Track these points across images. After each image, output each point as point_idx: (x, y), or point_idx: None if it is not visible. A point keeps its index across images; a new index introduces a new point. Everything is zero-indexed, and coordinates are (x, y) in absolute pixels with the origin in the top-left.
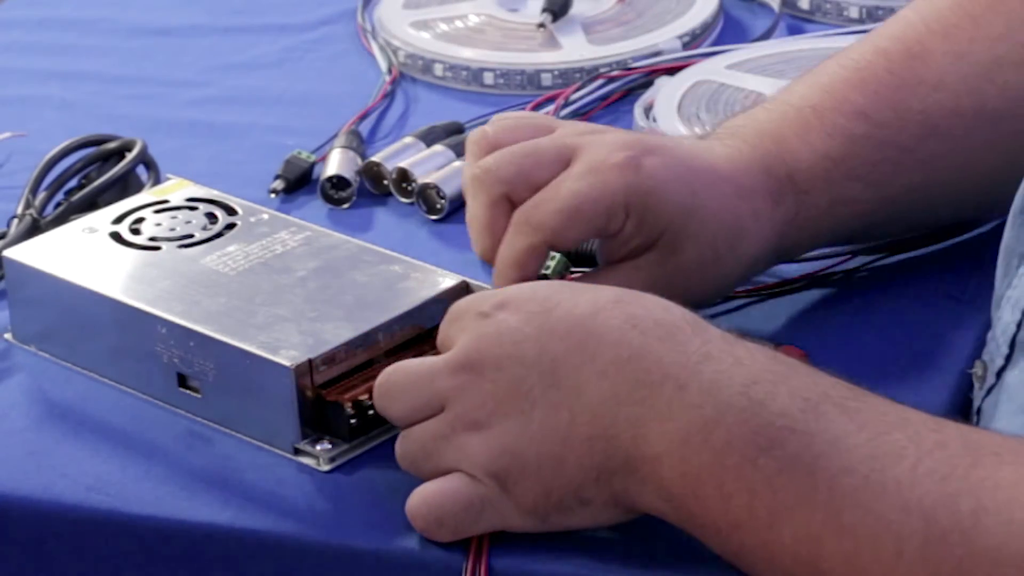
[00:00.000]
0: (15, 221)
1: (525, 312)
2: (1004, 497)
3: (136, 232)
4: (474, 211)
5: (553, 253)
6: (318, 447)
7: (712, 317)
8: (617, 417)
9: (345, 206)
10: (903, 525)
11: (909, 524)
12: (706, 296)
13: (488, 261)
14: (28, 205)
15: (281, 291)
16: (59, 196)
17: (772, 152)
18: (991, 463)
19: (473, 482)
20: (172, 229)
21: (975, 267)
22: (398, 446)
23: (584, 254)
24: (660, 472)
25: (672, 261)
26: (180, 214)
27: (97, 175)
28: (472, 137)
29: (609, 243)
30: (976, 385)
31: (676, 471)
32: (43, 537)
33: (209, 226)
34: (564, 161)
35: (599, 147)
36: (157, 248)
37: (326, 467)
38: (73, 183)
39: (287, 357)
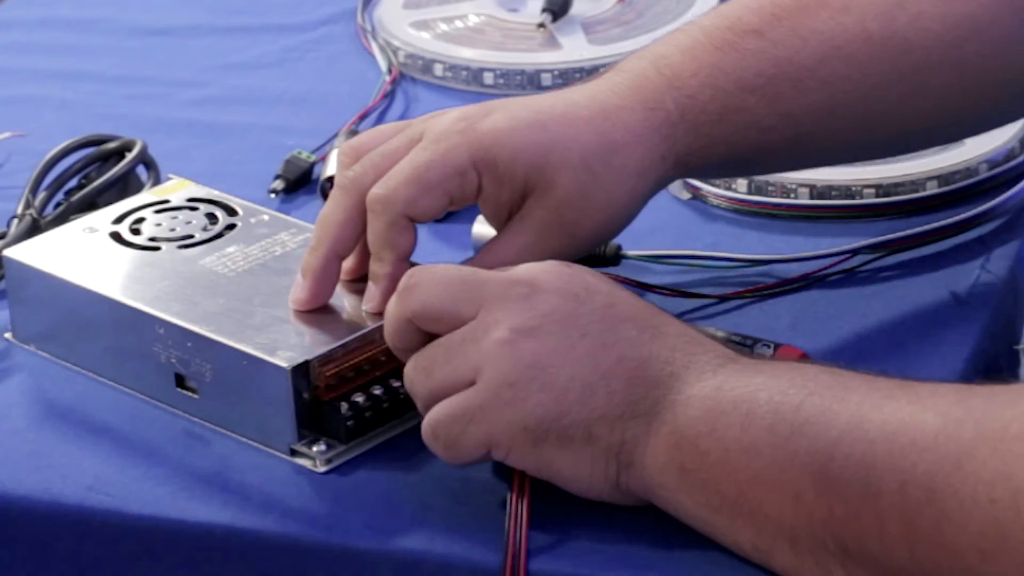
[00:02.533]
0: (15, 221)
1: (602, 278)
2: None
3: (136, 232)
4: (329, 211)
5: None
6: (314, 448)
7: (712, 317)
8: (661, 372)
9: None
10: (920, 422)
11: (925, 420)
12: (610, 222)
13: (326, 260)
14: (28, 205)
15: (280, 292)
16: (59, 196)
17: (646, 69)
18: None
19: (471, 392)
20: (172, 229)
21: (975, 267)
22: (420, 355)
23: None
24: (682, 414)
25: (551, 197)
26: (180, 214)
27: (97, 175)
28: (341, 148)
29: (488, 208)
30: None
31: (700, 409)
32: (42, 537)
33: (209, 227)
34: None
35: (440, 121)
36: (157, 248)
37: (322, 468)
38: (73, 183)
39: (284, 358)
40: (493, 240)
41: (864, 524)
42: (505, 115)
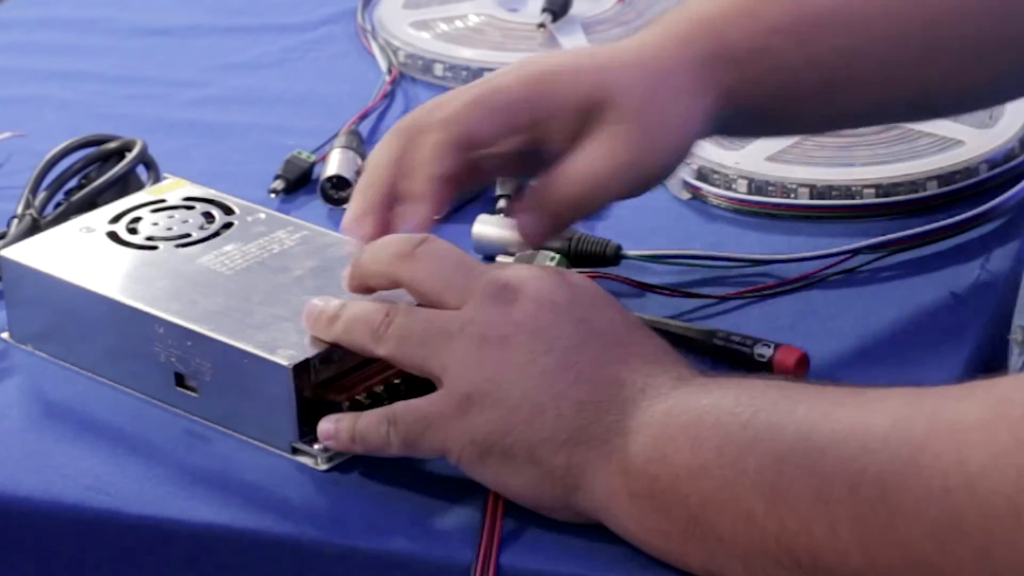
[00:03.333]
0: (15, 221)
1: (590, 287)
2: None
3: (133, 231)
4: (379, 150)
5: (552, 254)
6: (316, 446)
7: (712, 317)
8: (616, 397)
9: (345, 206)
10: (870, 425)
11: (874, 423)
12: (679, 134)
13: (376, 196)
14: (28, 205)
15: (278, 290)
16: (59, 196)
17: (676, 16)
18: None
19: (435, 400)
20: (169, 228)
21: (975, 267)
22: (400, 315)
23: (583, 254)
24: (633, 441)
25: (617, 111)
26: (177, 213)
27: (97, 175)
28: (393, 127)
29: (551, 138)
30: (1016, 351)
31: (649, 436)
32: (42, 537)
33: (206, 225)
34: None
35: (495, 72)
36: (154, 247)
37: (324, 466)
38: (73, 183)
39: (285, 356)
40: (571, 156)
41: (816, 534)
42: (551, 56)
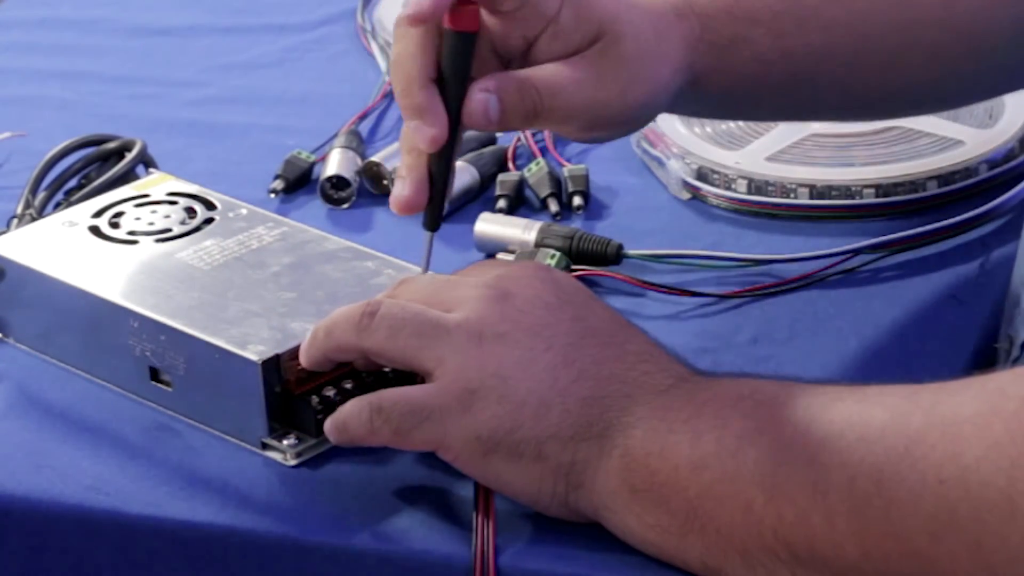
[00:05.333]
0: (15, 221)
1: (576, 285)
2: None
3: (115, 226)
4: (399, 48)
5: (552, 252)
6: (284, 442)
7: (712, 316)
8: (617, 392)
9: (345, 206)
10: (868, 417)
11: (872, 415)
12: (640, 99)
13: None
14: (28, 205)
15: (253, 286)
16: (59, 196)
17: None
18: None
19: (432, 389)
20: (151, 223)
21: (975, 267)
22: (385, 305)
23: (584, 253)
24: (632, 436)
25: (614, 51)
26: (160, 208)
27: (97, 175)
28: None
29: (550, 39)
30: (1001, 358)
31: (649, 430)
32: (41, 537)
33: (187, 220)
34: None
35: None
36: (135, 242)
37: (292, 462)
38: (73, 183)
39: (255, 352)
40: (555, 64)
41: (814, 525)
42: None
